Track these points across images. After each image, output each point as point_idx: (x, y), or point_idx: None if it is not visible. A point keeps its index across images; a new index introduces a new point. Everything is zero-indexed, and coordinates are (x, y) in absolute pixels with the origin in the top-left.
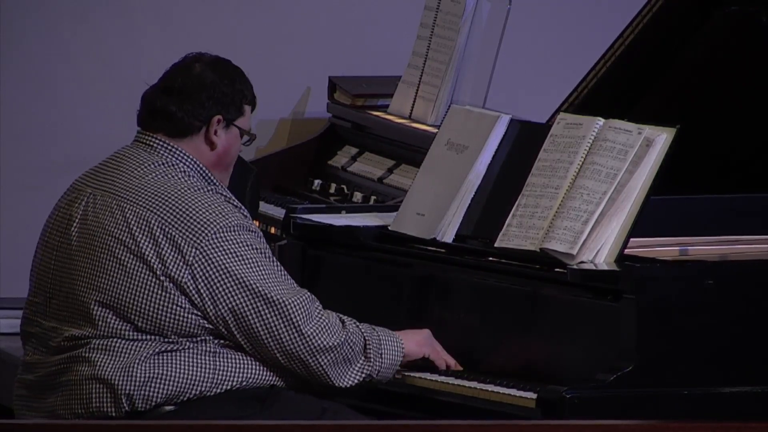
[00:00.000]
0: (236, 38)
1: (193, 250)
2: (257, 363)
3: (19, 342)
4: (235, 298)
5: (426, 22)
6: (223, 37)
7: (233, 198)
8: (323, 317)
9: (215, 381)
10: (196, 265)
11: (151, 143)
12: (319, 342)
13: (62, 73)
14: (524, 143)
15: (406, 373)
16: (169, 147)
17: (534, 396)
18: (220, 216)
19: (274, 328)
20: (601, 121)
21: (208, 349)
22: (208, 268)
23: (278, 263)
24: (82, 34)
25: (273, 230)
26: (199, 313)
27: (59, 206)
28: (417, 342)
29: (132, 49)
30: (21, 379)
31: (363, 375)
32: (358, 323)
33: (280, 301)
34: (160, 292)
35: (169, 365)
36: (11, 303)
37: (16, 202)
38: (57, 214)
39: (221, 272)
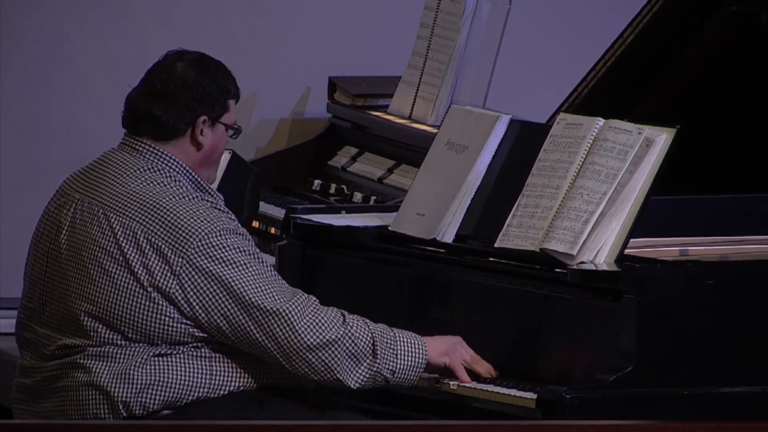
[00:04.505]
0: (236, 38)
1: (180, 259)
2: (255, 366)
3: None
4: (227, 304)
5: (426, 22)
6: (224, 38)
7: (220, 201)
8: (318, 313)
9: (213, 386)
10: (183, 274)
11: (137, 147)
12: (317, 337)
13: (62, 73)
14: (524, 143)
15: None
16: (155, 151)
17: (534, 396)
18: (204, 222)
19: (269, 329)
20: (601, 121)
21: (204, 354)
22: (196, 277)
23: (269, 265)
24: (82, 34)
25: (273, 230)
26: (190, 323)
27: (49, 210)
28: (440, 350)
29: (133, 50)
30: (18, 383)
31: (372, 373)
32: (368, 321)
33: (272, 301)
34: (147, 303)
35: (167, 371)
36: (11, 303)
37: (16, 202)
38: (47, 218)
39: (209, 279)
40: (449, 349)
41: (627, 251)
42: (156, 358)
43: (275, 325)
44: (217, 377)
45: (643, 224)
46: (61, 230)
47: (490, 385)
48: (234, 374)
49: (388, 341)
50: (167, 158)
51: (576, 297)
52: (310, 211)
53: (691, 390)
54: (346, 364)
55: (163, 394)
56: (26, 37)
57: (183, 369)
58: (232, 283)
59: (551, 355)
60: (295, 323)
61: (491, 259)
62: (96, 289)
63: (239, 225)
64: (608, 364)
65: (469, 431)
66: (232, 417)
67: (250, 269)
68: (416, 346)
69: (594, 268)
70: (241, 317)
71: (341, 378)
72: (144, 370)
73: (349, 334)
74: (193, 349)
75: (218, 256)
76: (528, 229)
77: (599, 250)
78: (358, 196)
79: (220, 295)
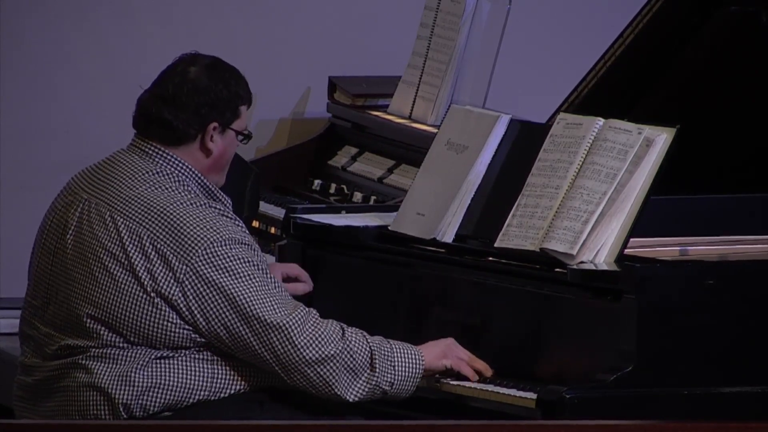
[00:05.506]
0: (236, 38)
1: (183, 266)
2: (255, 369)
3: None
4: (227, 314)
5: (426, 22)
6: (224, 37)
7: (228, 209)
8: (318, 327)
9: (213, 389)
10: (186, 281)
11: (147, 150)
12: (315, 352)
13: (62, 73)
14: (524, 143)
15: None
16: (165, 155)
17: (534, 396)
18: (210, 230)
19: (268, 342)
20: (601, 121)
21: (205, 357)
22: (199, 284)
23: (272, 276)
24: (82, 34)
25: (273, 230)
26: (191, 329)
27: (56, 207)
28: (437, 354)
29: (133, 50)
30: (19, 380)
31: (371, 386)
32: (365, 334)
33: (273, 314)
34: (150, 308)
35: (168, 374)
36: (11, 303)
37: (16, 202)
38: (54, 216)
39: (212, 288)
40: (446, 351)
41: (627, 251)
42: (157, 361)
43: (274, 338)
44: (218, 380)
45: (643, 224)
46: (68, 229)
47: (490, 385)
48: (235, 377)
49: (386, 354)
50: (177, 162)
51: (576, 297)
52: (310, 211)
53: (691, 390)
54: (344, 378)
55: (163, 396)
56: (26, 37)
57: (184, 372)
58: (234, 294)
59: (551, 355)
60: (294, 337)
61: (491, 259)
62: (100, 292)
63: (246, 233)
64: (608, 364)
65: (469, 431)
66: (232, 419)
67: (253, 280)
68: (413, 356)
69: (594, 267)
70: (240, 328)
71: (339, 393)
72: (145, 373)
73: (348, 349)
74: (194, 353)
75: (222, 266)
76: (528, 228)
77: (599, 250)
78: (358, 196)
79: (222, 304)
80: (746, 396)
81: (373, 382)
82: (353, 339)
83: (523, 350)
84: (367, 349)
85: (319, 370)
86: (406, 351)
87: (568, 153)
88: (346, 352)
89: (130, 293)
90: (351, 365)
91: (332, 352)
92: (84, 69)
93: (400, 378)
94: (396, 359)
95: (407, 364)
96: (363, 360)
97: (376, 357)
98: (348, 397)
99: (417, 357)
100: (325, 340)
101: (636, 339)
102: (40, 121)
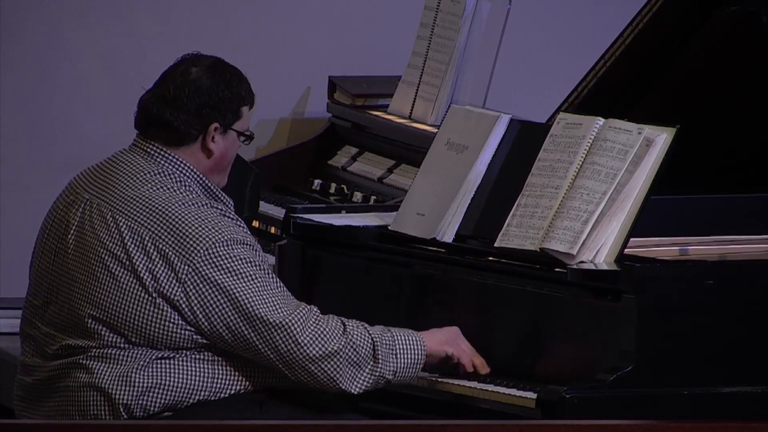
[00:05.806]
0: (236, 38)
1: (185, 266)
2: (256, 368)
3: (19, 342)
4: (229, 314)
5: (426, 22)
6: (224, 37)
7: (230, 209)
8: (320, 324)
9: (214, 389)
10: (188, 282)
11: (148, 150)
12: (319, 349)
13: (62, 73)
14: (524, 143)
15: None
16: (166, 155)
17: (534, 396)
18: (212, 231)
19: (271, 341)
20: (601, 121)
21: (205, 357)
22: (201, 285)
23: (274, 275)
24: (82, 34)
25: (273, 230)
26: (193, 329)
27: (57, 207)
28: (439, 341)
29: (132, 49)
30: (19, 380)
31: (374, 377)
32: (366, 326)
33: (275, 313)
34: (152, 309)
35: (168, 374)
36: (11, 303)
37: (16, 202)
38: (55, 215)
39: (214, 288)
40: (449, 339)
41: (627, 251)
42: (158, 361)
43: (277, 337)
44: (219, 380)
45: (643, 224)
46: (69, 229)
47: (489, 384)
48: (235, 377)
49: (388, 343)
50: (178, 163)
51: (576, 297)
52: (310, 210)
53: (691, 390)
54: (348, 372)
55: (164, 396)
56: (26, 37)
57: (184, 372)
58: (236, 294)
59: (551, 355)
60: (297, 336)
61: (491, 258)
62: (101, 293)
63: (248, 233)
64: (608, 364)
65: (469, 431)
66: (232, 419)
67: (255, 280)
68: (414, 342)
69: (594, 267)
70: (243, 328)
71: (343, 386)
72: (145, 373)
73: (351, 343)
74: (195, 353)
75: (224, 266)
76: (528, 228)
77: (599, 250)
78: (358, 196)
79: (224, 304)
80: (746, 396)
81: (377, 373)
82: (355, 333)
83: (523, 350)
84: (369, 341)
85: (323, 366)
86: (407, 338)
87: (568, 153)
88: (349, 347)
89: (132, 294)
90: (354, 359)
91: (335, 348)
92: (84, 69)
93: (402, 366)
94: (398, 348)
95: (409, 352)
96: (366, 352)
97: (379, 348)
98: (352, 390)
99: (419, 344)
100: (328, 336)
101: (636, 339)
102: (40, 121)
